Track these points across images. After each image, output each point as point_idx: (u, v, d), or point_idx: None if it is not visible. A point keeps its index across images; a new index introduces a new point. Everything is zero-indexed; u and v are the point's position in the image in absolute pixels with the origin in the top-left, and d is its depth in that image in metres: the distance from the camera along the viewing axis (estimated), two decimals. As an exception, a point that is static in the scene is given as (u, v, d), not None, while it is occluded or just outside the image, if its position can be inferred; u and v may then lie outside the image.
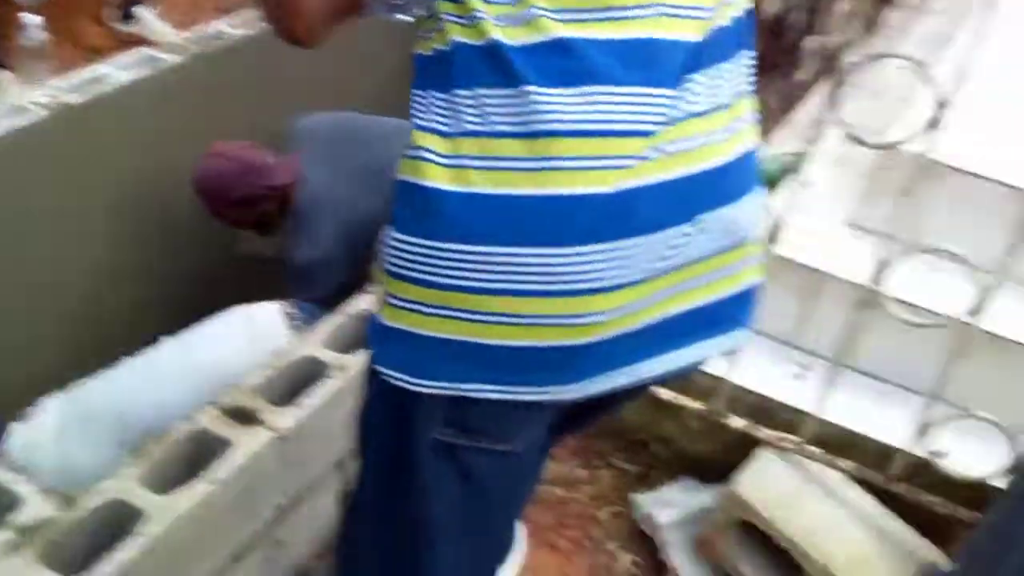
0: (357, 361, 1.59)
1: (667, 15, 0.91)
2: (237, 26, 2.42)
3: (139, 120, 2.21)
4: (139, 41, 2.86)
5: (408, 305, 0.94)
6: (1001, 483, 1.60)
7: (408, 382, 0.96)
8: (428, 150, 0.91)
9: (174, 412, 1.54)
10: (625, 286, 0.91)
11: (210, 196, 2.12)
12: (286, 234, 2.13)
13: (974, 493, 1.69)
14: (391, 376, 0.96)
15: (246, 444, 1.43)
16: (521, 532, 1.72)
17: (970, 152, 1.97)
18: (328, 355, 1.65)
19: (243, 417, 1.49)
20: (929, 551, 1.67)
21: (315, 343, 1.68)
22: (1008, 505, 1.49)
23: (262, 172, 2.08)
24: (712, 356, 1.03)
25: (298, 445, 1.53)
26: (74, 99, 2.08)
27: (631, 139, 0.89)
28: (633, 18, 0.90)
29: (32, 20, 2.23)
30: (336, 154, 2.15)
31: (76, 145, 2.10)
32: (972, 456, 1.71)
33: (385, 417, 1.03)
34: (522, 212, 0.88)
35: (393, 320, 0.96)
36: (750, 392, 1.91)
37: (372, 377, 1.02)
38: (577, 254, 0.88)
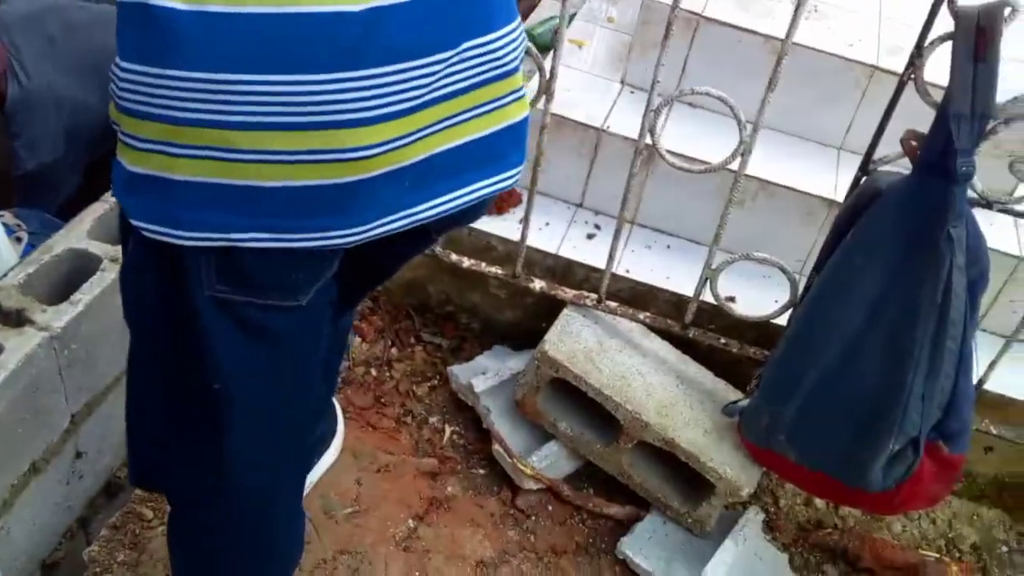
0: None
1: None
2: None
3: None
4: None
5: (151, 146, 0.83)
6: (783, 321, 1.73)
7: (168, 235, 0.86)
8: None
9: None
10: (388, 118, 0.84)
11: None
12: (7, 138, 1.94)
13: (761, 333, 1.81)
14: (148, 230, 0.86)
15: (17, 347, 1.30)
16: (339, 415, 1.67)
17: (723, 3, 2.04)
18: (97, 247, 1.52)
19: (9, 318, 1.35)
20: (727, 390, 1.79)
21: (79, 235, 1.53)
22: (793, 342, 1.62)
23: None
24: (489, 193, 0.99)
25: (79, 346, 1.40)
26: None
27: None
28: None
29: None
30: (52, 43, 1.96)
31: None
32: (758, 297, 1.84)
33: (151, 277, 0.94)
34: (262, 33, 0.79)
35: (138, 164, 0.85)
36: (547, 254, 1.94)
37: (126, 232, 0.92)
38: (330, 81, 0.80)
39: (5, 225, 1.67)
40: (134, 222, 0.87)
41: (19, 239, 1.68)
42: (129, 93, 0.82)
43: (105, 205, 1.58)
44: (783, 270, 1.68)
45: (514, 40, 0.95)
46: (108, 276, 1.45)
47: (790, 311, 1.71)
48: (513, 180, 1.01)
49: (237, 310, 0.92)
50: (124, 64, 0.82)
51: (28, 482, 1.34)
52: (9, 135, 1.92)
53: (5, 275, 1.41)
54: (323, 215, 0.86)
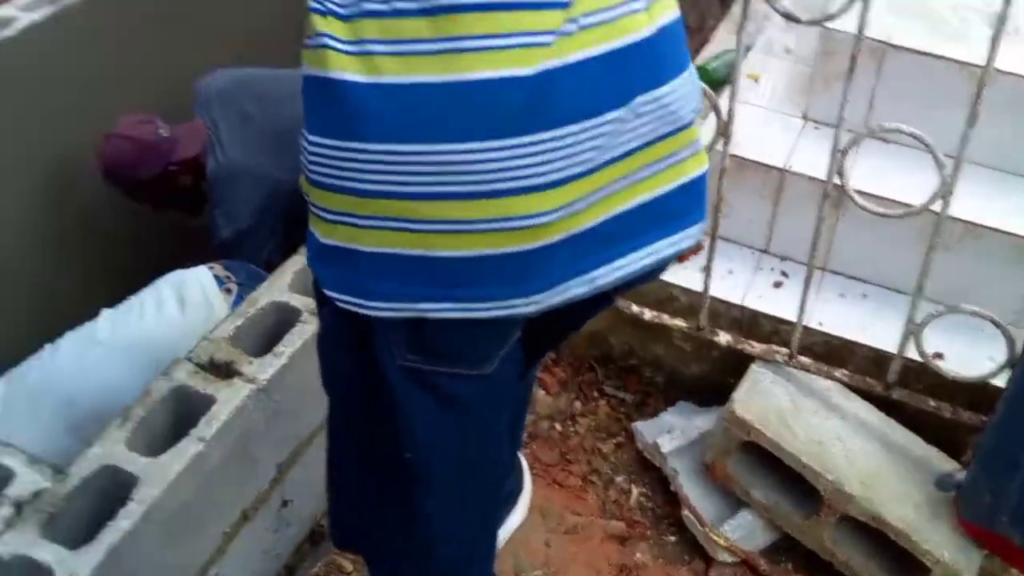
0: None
1: None
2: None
3: (53, 64, 2.06)
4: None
5: (338, 217, 0.85)
6: (1001, 381, 1.58)
7: (359, 305, 0.87)
8: (328, 36, 0.81)
9: (120, 392, 1.47)
10: (564, 182, 0.83)
11: (116, 181, 2.05)
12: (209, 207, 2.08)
13: (977, 394, 1.67)
14: (340, 300, 0.88)
15: (228, 398, 1.36)
16: (526, 472, 1.65)
17: (911, 28, 1.91)
18: (297, 299, 1.57)
19: (220, 370, 1.41)
20: (940, 459, 1.65)
21: (281, 288, 1.58)
22: (1013, 405, 1.48)
23: (160, 148, 2.01)
24: (669, 255, 0.96)
25: (283, 396, 1.44)
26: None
27: (545, 11, 0.80)
28: None
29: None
30: (247, 118, 2.09)
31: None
32: (970, 354, 1.70)
33: (344, 345, 0.97)
34: (436, 102, 0.79)
35: (328, 236, 0.87)
36: (732, 305, 1.87)
37: (321, 300, 0.95)
38: (503, 148, 0.80)
39: (216, 277, 1.76)
40: (326, 292, 0.89)
41: (229, 291, 1.76)
42: (316, 166, 0.85)
43: (303, 259, 1.64)
44: (996, 324, 1.54)
45: (688, 91, 0.91)
46: (308, 328, 1.50)
47: (1008, 371, 1.57)
48: (694, 240, 0.97)
49: (427, 379, 0.93)
50: (310, 137, 0.84)
51: (239, 530, 1.39)
52: (210, 204, 2.06)
53: (216, 328, 1.47)
54: (504, 284, 0.86)
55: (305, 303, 1.55)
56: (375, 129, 0.80)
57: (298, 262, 1.63)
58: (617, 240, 0.90)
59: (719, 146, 1.60)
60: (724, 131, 1.58)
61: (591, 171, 0.84)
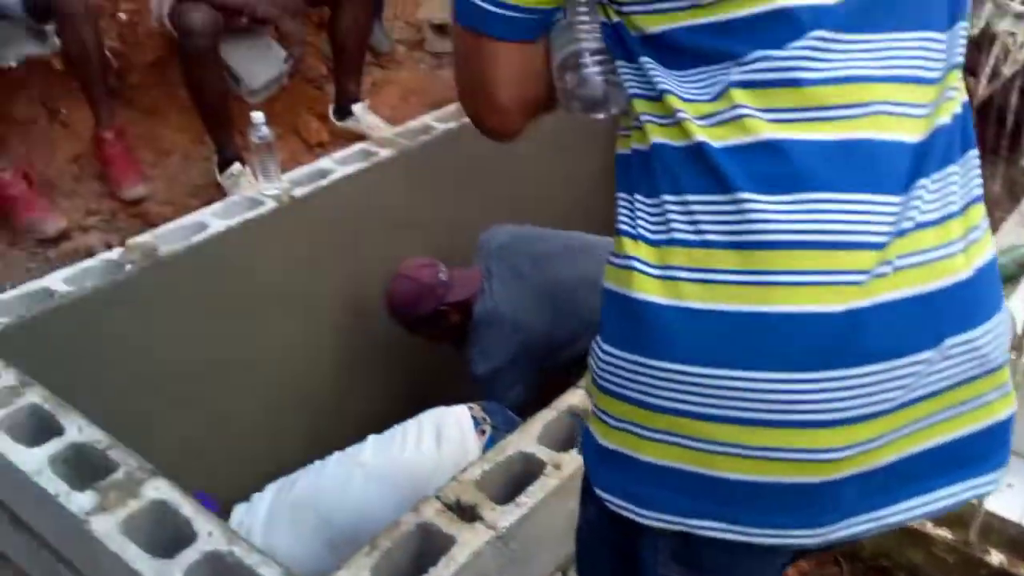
0: (572, 460, 1.54)
1: (885, 113, 0.82)
2: (443, 119, 2.54)
3: (358, 210, 2.34)
4: (356, 135, 3.00)
5: (621, 425, 0.88)
6: None
7: (629, 511, 0.89)
8: (636, 259, 0.85)
9: (373, 516, 1.60)
10: (861, 419, 0.81)
11: (397, 316, 2.28)
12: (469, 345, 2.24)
13: None
14: (610, 502, 0.90)
15: (468, 541, 1.40)
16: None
17: None
18: (543, 452, 1.61)
19: (465, 513, 1.46)
20: None
21: (530, 439, 1.63)
22: None
23: (437, 290, 2.22)
24: (963, 501, 0.90)
25: (518, 546, 1.47)
26: (300, 192, 2.23)
27: (859, 252, 0.80)
28: (848, 117, 0.82)
29: (259, 117, 2.40)
30: (520, 275, 2.25)
31: (303, 235, 2.24)
32: None
33: (606, 543, 0.98)
34: (740, 331, 0.81)
35: (607, 439, 0.90)
36: (1009, 523, 1.69)
37: (589, 495, 0.96)
38: (804, 381, 0.80)
39: (474, 418, 1.87)
40: (598, 491, 0.91)
41: (483, 432, 1.86)
42: (607, 373, 0.88)
43: (553, 412, 1.68)
44: None
45: (1000, 332, 0.88)
46: (550, 482, 1.52)
47: None
48: (995, 486, 0.91)
49: None
50: (604, 346, 0.89)
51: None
52: (470, 342, 2.21)
53: (466, 470, 1.55)
54: (783, 512, 0.84)
55: (551, 456, 1.58)
56: (672, 349, 0.83)
57: (547, 416, 1.67)
58: (911, 480, 0.87)
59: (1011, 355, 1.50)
60: (1018, 344, 1.47)
61: (890, 411, 0.83)
